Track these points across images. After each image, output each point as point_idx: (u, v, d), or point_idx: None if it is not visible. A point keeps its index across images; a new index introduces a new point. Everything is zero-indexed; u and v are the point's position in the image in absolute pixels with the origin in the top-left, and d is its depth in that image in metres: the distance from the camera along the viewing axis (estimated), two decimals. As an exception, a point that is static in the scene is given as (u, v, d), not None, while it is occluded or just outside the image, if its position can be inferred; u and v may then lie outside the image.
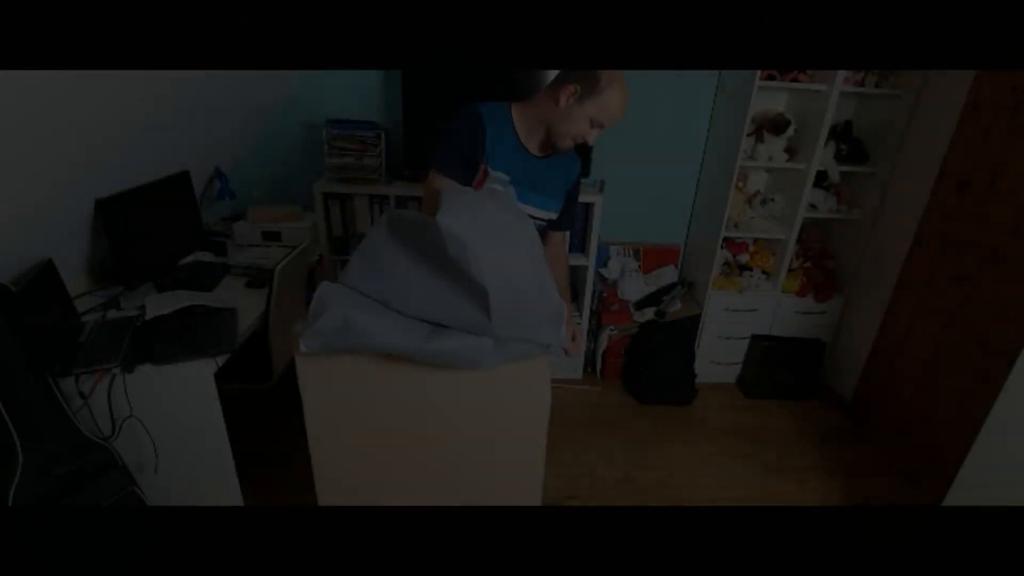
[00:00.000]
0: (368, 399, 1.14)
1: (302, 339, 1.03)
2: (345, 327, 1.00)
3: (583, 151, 2.40)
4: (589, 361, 2.91)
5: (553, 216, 1.47)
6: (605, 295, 2.81)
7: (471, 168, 1.30)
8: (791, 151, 2.57)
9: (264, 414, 2.41)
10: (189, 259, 2.18)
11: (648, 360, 2.66)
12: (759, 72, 2.29)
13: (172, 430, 1.49)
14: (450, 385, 1.11)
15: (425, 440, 1.19)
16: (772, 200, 2.64)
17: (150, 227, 1.87)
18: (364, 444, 1.20)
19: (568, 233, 1.63)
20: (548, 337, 1.08)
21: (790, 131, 2.44)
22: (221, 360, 1.48)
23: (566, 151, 1.37)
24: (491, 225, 1.03)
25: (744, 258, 2.78)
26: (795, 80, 2.41)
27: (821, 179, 2.59)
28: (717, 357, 2.84)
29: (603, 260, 2.94)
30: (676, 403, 2.71)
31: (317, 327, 1.01)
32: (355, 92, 2.54)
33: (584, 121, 1.27)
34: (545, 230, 1.49)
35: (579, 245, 2.63)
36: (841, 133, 2.58)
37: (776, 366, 2.73)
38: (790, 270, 2.72)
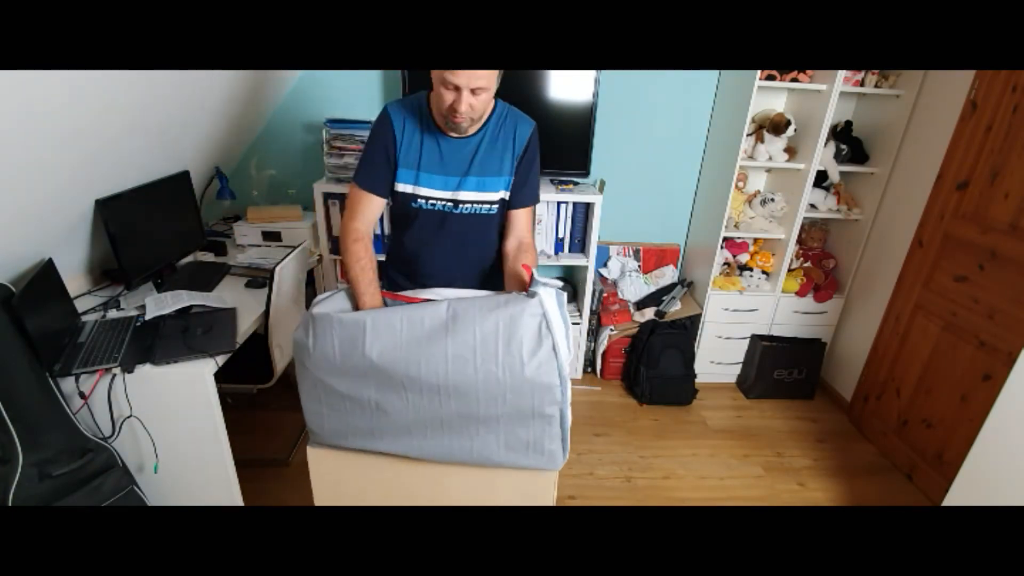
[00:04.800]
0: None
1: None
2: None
3: (581, 147, 2.45)
4: (589, 361, 2.91)
5: (502, 195, 1.37)
6: (605, 295, 2.81)
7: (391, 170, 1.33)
8: (791, 151, 2.57)
9: (264, 414, 2.41)
10: (189, 259, 2.18)
11: (648, 360, 2.66)
12: (759, 72, 2.29)
13: (172, 430, 1.49)
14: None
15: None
16: (772, 200, 2.64)
17: (150, 227, 1.87)
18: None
19: (533, 209, 1.43)
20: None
21: (790, 131, 2.44)
22: (221, 360, 1.48)
23: (462, 128, 1.25)
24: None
25: (744, 258, 2.78)
26: (795, 80, 2.41)
27: (821, 179, 2.59)
28: (717, 357, 2.84)
29: (603, 260, 2.94)
30: (676, 403, 2.71)
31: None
32: (355, 92, 2.54)
33: (439, 85, 1.18)
34: (501, 212, 1.39)
35: (579, 245, 2.63)
36: (841, 133, 2.58)
37: (776, 366, 2.73)
38: (790, 270, 2.72)
